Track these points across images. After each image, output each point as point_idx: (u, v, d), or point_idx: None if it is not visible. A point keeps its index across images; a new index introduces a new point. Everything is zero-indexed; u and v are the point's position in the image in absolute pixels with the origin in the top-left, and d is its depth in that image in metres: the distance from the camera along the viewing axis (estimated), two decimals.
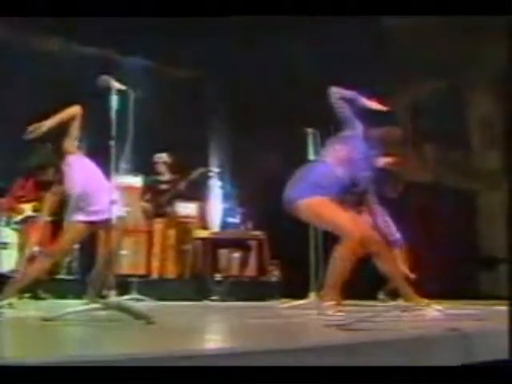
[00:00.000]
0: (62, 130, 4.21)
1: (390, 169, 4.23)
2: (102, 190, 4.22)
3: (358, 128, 4.04)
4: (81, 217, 4.28)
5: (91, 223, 4.30)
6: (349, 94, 4.04)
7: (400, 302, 4.21)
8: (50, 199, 4.55)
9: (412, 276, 5.41)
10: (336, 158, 4.01)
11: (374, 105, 4.10)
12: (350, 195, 4.01)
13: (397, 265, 4.39)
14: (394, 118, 4.25)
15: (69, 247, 4.56)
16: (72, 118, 4.22)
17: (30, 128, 4.09)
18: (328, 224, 4.00)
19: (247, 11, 3.15)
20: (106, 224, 4.16)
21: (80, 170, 4.26)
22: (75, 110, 4.23)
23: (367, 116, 4.05)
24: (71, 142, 4.26)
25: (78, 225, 4.29)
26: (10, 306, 4.39)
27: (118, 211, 3.94)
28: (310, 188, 3.94)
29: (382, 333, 2.65)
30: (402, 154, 4.21)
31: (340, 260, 3.84)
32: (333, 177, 3.95)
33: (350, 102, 4.02)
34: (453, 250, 7.65)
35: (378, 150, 4.10)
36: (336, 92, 4.02)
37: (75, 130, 4.23)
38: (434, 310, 3.78)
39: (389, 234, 5.77)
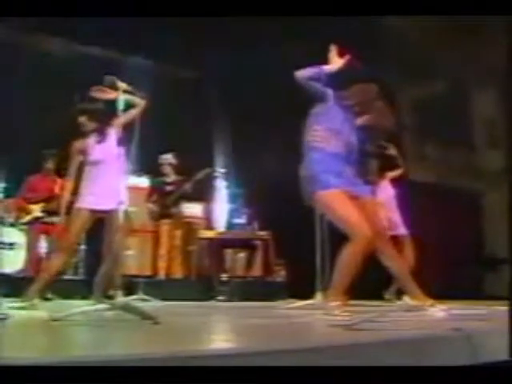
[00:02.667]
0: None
1: (370, 125, 4.13)
2: (110, 176, 4.27)
3: (330, 98, 3.96)
4: (83, 204, 4.35)
5: (93, 212, 4.37)
6: (312, 70, 3.99)
7: (406, 302, 4.18)
8: (75, 149, 4.55)
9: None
10: (322, 138, 3.94)
11: (336, 65, 3.99)
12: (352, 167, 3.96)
13: (402, 262, 4.36)
14: (363, 71, 4.16)
15: (77, 237, 4.61)
16: (138, 106, 4.34)
17: (100, 87, 4.11)
18: (338, 221, 3.94)
19: (249, 11, 3.16)
20: (108, 214, 4.23)
21: (108, 146, 4.31)
22: (144, 102, 4.38)
23: (338, 79, 3.99)
24: (122, 121, 4.36)
25: (81, 212, 4.37)
26: (33, 306, 4.38)
27: (122, 205, 3.99)
28: (321, 179, 3.90)
29: (387, 333, 2.65)
30: (379, 107, 4.12)
31: (347, 260, 3.80)
32: (330, 156, 3.90)
33: (317, 77, 3.98)
34: (456, 250, 7.65)
35: (354, 110, 4.03)
36: (302, 76, 3.98)
37: (132, 115, 4.33)
38: (438, 310, 3.77)
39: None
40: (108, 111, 4.19)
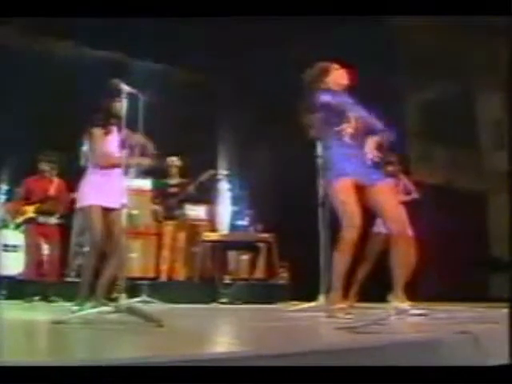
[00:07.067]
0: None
1: None
2: (114, 176, 4.25)
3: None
4: (92, 201, 4.32)
5: (102, 209, 4.34)
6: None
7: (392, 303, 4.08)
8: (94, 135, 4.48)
9: None
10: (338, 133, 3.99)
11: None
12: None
13: (406, 257, 4.33)
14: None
15: (101, 232, 4.48)
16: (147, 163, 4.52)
17: None
18: (339, 209, 3.96)
19: (255, 11, 3.16)
20: (113, 213, 4.23)
21: (119, 146, 4.24)
22: (152, 162, 4.53)
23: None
24: (135, 140, 4.25)
25: (93, 209, 4.32)
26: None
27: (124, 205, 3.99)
28: (335, 167, 3.96)
29: (391, 336, 2.64)
30: None
31: (340, 252, 3.85)
32: (345, 146, 3.93)
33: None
34: (462, 251, 7.62)
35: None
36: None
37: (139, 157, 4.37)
38: (418, 312, 3.79)
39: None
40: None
